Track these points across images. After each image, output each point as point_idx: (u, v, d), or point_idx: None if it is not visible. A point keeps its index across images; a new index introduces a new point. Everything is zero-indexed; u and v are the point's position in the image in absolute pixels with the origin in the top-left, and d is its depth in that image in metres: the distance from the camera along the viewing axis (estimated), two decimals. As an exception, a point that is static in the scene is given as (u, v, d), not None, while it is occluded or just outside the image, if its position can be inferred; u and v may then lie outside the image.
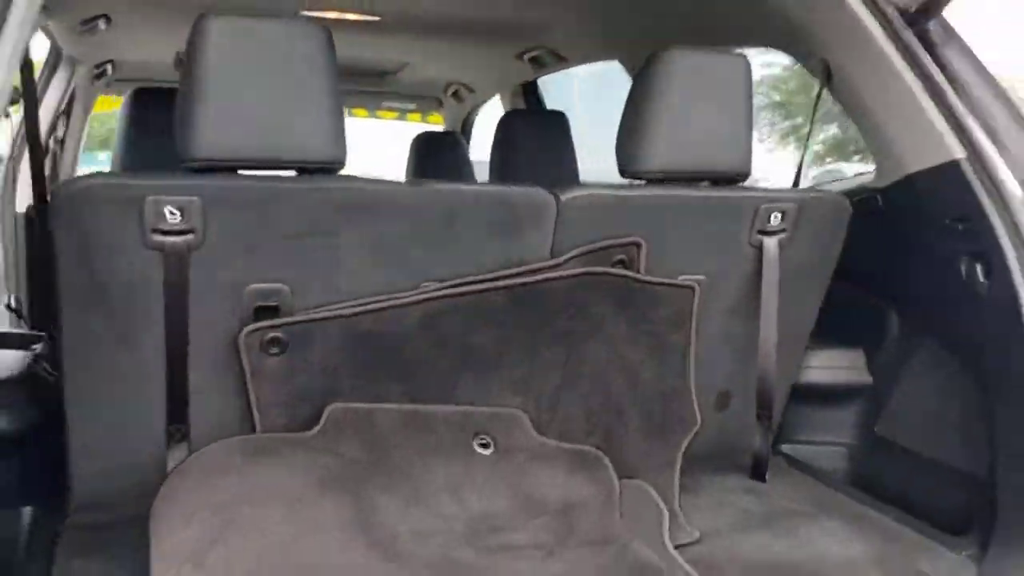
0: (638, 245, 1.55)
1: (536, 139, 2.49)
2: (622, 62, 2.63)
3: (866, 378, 1.86)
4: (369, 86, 3.66)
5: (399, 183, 1.57)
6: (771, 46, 1.94)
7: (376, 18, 2.46)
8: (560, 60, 2.87)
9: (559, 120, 2.55)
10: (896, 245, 1.69)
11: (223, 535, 1.19)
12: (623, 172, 1.61)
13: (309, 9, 2.28)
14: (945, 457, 1.65)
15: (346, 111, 4.45)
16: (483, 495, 1.44)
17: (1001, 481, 1.49)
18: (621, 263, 1.55)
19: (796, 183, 1.85)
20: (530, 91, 3.35)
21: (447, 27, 2.56)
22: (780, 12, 1.74)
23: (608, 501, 1.51)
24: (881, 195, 1.71)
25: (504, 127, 2.57)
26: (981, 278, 1.49)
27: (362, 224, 1.40)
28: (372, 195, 1.40)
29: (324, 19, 2.26)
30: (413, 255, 1.44)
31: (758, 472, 1.77)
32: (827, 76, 1.75)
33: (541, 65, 2.96)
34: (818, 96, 1.79)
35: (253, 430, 1.43)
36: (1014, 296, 1.42)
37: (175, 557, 1.16)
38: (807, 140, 2.09)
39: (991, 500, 1.50)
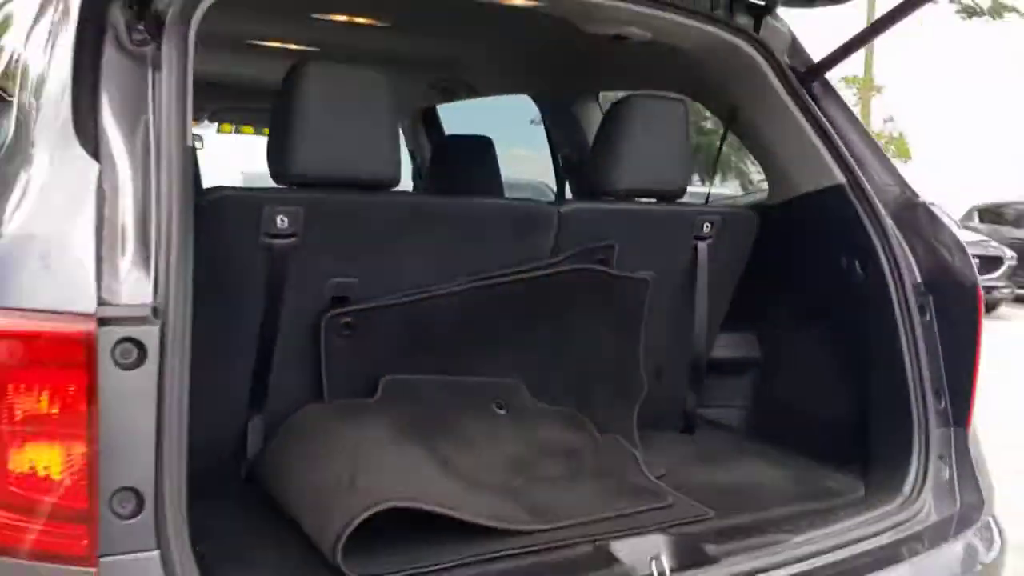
0: (612, 247, 1.98)
1: (469, 162, 2.88)
2: (533, 97, 3.06)
3: (757, 353, 2.37)
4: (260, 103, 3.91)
5: (445, 198, 1.94)
6: (680, 92, 2.42)
7: None
8: (471, 91, 3.28)
9: (488, 145, 2.95)
10: (789, 248, 2.20)
11: (357, 470, 1.51)
12: (595, 191, 2.04)
13: None
14: (824, 410, 2.17)
15: (232, 128, 4.68)
16: (508, 444, 1.83)
17: (872, 425, 2.01)
18: (601, 261, 1.98)
19: (706, 202, 2.35)
20: (430, 116, 3.72)
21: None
22: (696, 66, 2.22)
23: (596, 448, 1.93)
24: (776, 209, 2.22)
25: (440, 150, 2.95)
26: (859, 271, 2.02)
27: (416, 229, 1.76)
28: (427, 207, 1.77)
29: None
30: (451, 254, 1.81)
31: (688, 427, 2.24)
32: (732, 118, 2.25)
33: (450, 94, 3.36)
34: (725, 133, 2.29)
35: (320, 401, 1.75)
36: (884, 284, 1.95)
37: (329, 483, 1.48)
38: (715, 166, 2.61)
39: (864, 439, 2.02)
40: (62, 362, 1.09)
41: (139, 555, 1.15)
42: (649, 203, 2.09)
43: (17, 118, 1.39)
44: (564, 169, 3.16)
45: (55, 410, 1.09)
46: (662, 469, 1.96)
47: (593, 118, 2.92)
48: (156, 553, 1.15)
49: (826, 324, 2.13)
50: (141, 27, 1.36)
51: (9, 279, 1.11)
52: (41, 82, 1.35)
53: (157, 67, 1.32)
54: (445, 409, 1.81)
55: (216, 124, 4.35)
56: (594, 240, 1.96)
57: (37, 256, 1.11)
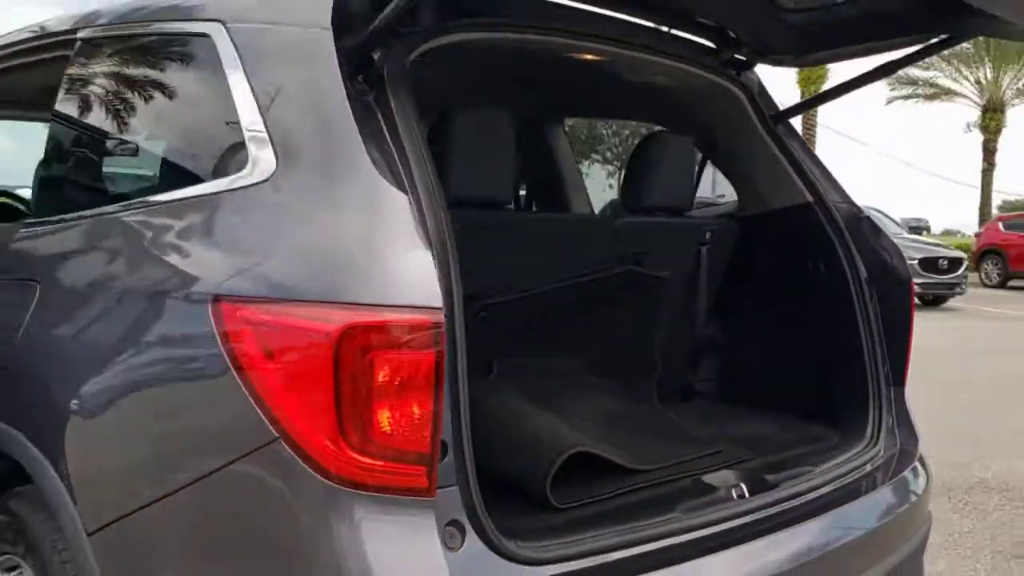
0: (646, 252, 2.49)
1: None
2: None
3: (724, 336, 2.95)
4: None
5: (542, 214, 2.38)
6: (663, 125, 2.94)
7: None
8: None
9: None
10: (765, 252, 2.78)
11: (532, 428, 1.94)
12: (630, 206, 2.53)
13: None
14: (793, 378, 2.72)
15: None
16: (598, 410, 2.30)
17: (836, 386, 2.60)
18: (637, 263, 2.48)
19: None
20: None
21: None
22: (687, 106, 2.75)
23: (644, 413, 2.44)
24: (753, 220, 2.79)
25: None
26: (823, 270, 2.63)
27: (528, 239, 2.19)
28: (540, 222, 2.20)
29: None
30: (549, 259, 2.26)
31: (687, 397, 2.79)
32: (712, 147, 2.81)
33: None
34: (704, 161, 2.85)
35: None
36: (844, 279, 2.55)
37: (518, 439, 1.89)
38: (697, 184, 3.16)
39: (828, 397, 2.62)
40: (422, 345, 1.46)
41: (450, 488, 1.53)
42: (665, 216, 2.62)
43: (277, 152, 1.69)
44: (531, 183, 3.64)
45: (415, 381, 1.46)
46: (690, 425, 2.49)
47: (560, 140, 3.42)
48: (455, 488, 1.55)
49: (794, 311, 2.73)
50: (360, 79, 1.72)
51: (377, 284, 1.46)
52: (306, 121, 1.68)
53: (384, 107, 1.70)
54: (547, 383, 2.26)
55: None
56: (634, 247, 2.47)
57: (397, 266, 1.48)
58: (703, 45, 2.56)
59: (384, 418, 1.46)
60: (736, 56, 2.62)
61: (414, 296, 1.47)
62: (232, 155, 1.78)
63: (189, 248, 1.75)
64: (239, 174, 1.73)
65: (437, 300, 1.47)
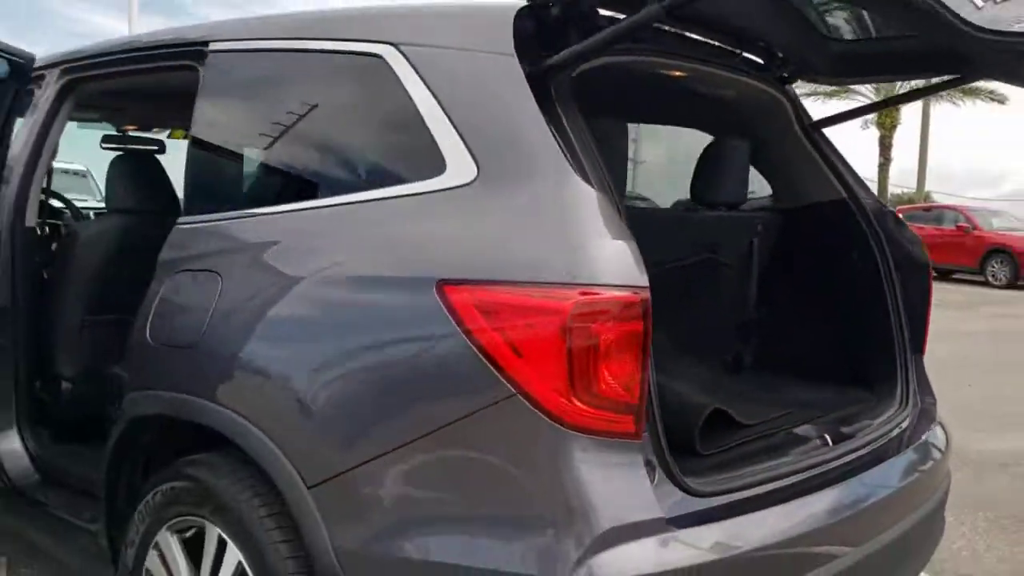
0: (717, 242, 2.87)
1: None
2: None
3: (767, 317, 3.36)
4: None
5: (649, 208, 2.74)
6: (719, 130, 3.32)
7: None
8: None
9: None
10: (801, 241, 3.20)
11: (673, 392, 2.30)
12: (700, 201, 2.91)
13: None
14: (830, 349, 3.14)
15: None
16: (695, 376, 2.68)
17: (869, 356, 3.03)
18: (713, 252, 2.87)
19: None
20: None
21: None
22: (742, 113, 3.14)
23: (722, 381, 2.83)
24: (792, 213, 3.20)
25: None
26: (856, 257, 3.05)
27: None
28: (640, 215, 2.56)
29: None
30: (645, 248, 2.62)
31: (737, 370, 3.19)
32: (756, 149, 3.20)
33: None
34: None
35: None
36: (875, 264, 2.99)
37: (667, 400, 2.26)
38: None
39: (862, 366, 3.04)
40: (633, 317, 1.81)
41: (646, 434, 1.89)
42: (728, 211, 3.01)
43: (476, 158, 2.00)
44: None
45: (628, 347, 1.81)
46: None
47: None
48: (647, 434, 1.90)
49: (830, 292, 3.15)
50: (540, 96, 2.05)
51: (598, 269, 1.81)
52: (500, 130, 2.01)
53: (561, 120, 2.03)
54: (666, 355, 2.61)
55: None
56: (709, 237, 2.85)
57: (611, 253, 1.82)
58: (756, 61, 2.96)
59: (605, 376, 1.80)
60: (782, 73, 3.03)
61: (627, 277, 1.81)
62: (424, 161, 2.07)
63: (402, 240, 2.04)
64: (437, 178, 2.03)
65: (644, 280, 1.83)
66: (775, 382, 3.08)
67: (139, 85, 3.26)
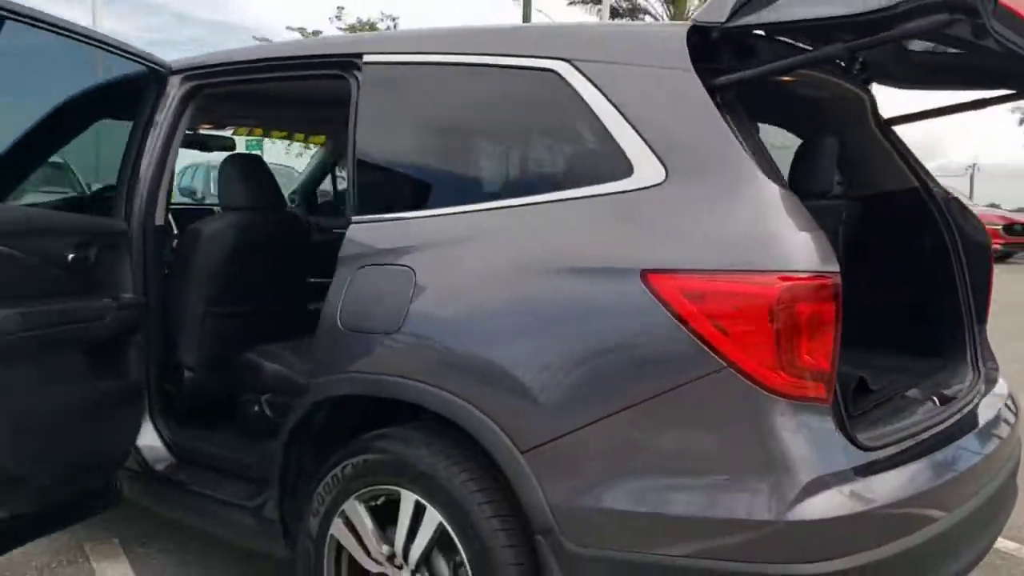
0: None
1: None
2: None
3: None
4: None
5: None
6: (790, 131, 3.62)
7: None
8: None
9: None
10: (877, 226, 3.52)
11: None
12: (799, 190, 3.21)
13: None
14: (905, 322, 3.47)
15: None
16: None
17: (941, 328, 3.36)
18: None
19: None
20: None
21: None
22: (819, 109, 3.44)
23: None
24: (869, 200, 3.52)
25: None
26: (928, 240, 3.39)
27: None
28: None
29: None
30: None
31: None
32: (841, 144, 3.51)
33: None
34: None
35: None
36: (945, 247, 3.33)
37: None
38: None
39: (933, 337, 3.38)
40: (828, 298, 2.11)
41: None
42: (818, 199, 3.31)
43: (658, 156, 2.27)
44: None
45: (824, 324, 2.11)
46: None
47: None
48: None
49: (904, 272, 3.48)
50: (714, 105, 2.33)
51: (799, 256, 2.09)
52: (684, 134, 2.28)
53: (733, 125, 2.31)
54: None
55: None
56: None
57: (806, 242, 2.11)
58: (841, 65, 3.27)
59: (805, 350, 2.10)
60: (862, 76, 3.35)
61: (820, 263, 2.11)
62: (610, 165, 2.34)
63: (601, 235, 2.30)
64: (627, 179, 2.31)
65: (835, 265, 2.13)
66: (862, 354, 3.39)
67: (267, 92, 3.45)
